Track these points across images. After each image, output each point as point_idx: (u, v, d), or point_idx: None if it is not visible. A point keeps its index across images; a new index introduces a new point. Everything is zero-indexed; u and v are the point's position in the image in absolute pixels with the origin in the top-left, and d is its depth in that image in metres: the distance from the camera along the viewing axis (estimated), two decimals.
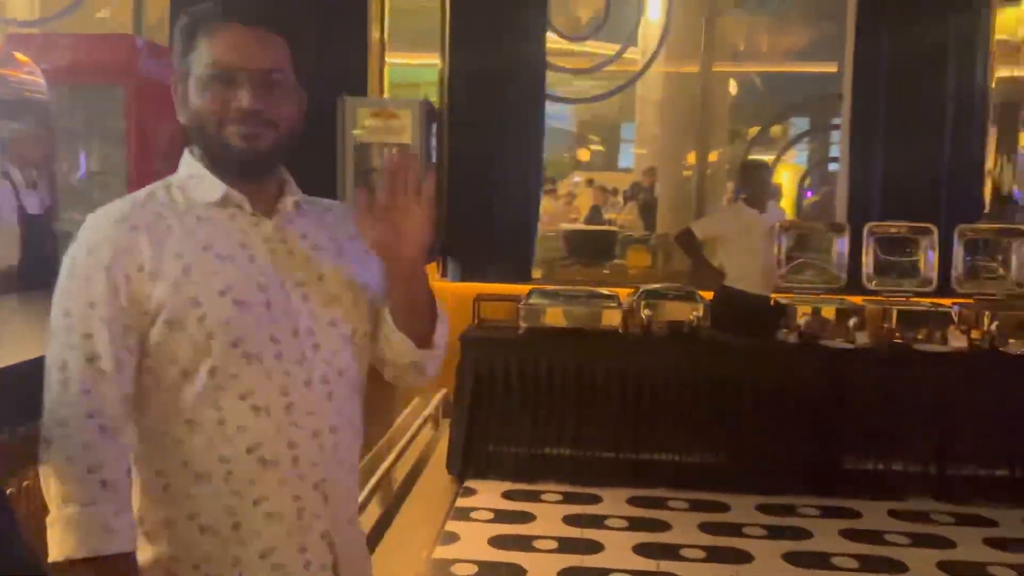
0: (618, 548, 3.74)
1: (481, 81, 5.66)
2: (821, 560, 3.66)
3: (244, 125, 1.26)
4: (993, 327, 4.36)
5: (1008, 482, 4.28)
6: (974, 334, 4.42)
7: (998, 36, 5.75)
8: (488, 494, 4.33)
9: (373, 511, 3.83)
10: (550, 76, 5.97)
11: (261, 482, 1.27)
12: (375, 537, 3.62)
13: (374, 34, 5.90)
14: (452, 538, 3.82)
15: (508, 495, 4.33)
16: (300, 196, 1.39)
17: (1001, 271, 4.71)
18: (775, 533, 3.94)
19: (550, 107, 6.10)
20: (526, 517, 4.06)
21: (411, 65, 7.58)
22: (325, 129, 5.20)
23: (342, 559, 1.35)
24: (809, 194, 10.97)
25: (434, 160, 5.66)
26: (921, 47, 5.34)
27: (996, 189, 5.91)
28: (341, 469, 1.35)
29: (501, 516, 4.08)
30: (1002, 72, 6.11)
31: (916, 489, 4.32)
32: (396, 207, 1.27)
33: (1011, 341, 4.33)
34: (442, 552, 3.68)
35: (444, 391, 5.27)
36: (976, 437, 4.28)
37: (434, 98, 5.80)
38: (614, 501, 4.27)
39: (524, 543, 3.77)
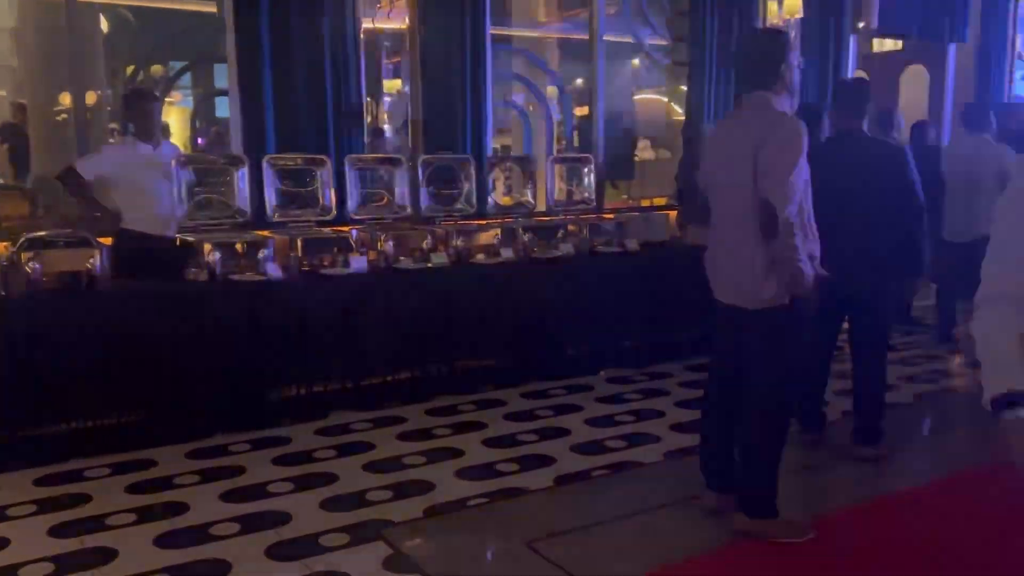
0: (28, 537, 3.20)
1: None
2: (259, 491, 3.64)
3: None
4: (387, 247, 4.81)
5: (410, 382, 4.82)
6: (371, 255, 4.83)
7: None
8: None
9: None
10: None
11: None
12: None
13: None
14: None
15: None
16: None
17: (387, 196, 5.21)
18: (209, 476, 3.80)
19: None
20: None
21: None
22: None
23: None
24: (201, 141, 10.78)
25: None
26: None
27: (370, 125, 6.51)
28: None
29: None
30: (366, 24, 6.70)
31: (337, 405, 4.60)
32: None
33: (402, 258, 4.84)
34: None
35: None
36: (383, 348, 4.70)
37: None
38: (18, 487, 3.64)
39: None
